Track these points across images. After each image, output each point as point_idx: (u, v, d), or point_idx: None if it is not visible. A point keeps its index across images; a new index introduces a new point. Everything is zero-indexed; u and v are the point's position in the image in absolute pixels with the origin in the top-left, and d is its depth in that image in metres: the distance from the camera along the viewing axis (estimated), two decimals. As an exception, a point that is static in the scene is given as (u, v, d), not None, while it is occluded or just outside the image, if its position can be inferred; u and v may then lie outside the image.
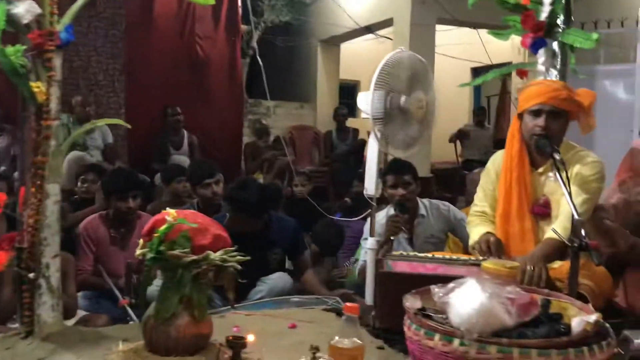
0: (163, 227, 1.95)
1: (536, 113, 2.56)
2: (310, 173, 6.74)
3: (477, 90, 10.97)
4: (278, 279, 3.12)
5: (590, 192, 2.54)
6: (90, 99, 5.88)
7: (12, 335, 2.15)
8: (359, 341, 1.47)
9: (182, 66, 6.64)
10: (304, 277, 3.30)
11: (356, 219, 3.94)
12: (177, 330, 1.94)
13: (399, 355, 2.14)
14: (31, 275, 2.08)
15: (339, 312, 2.60)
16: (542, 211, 2.65)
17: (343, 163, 7.76)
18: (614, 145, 4.28)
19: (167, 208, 2.09)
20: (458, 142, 8.89)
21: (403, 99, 2.91)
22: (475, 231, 2.73)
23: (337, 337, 1.47)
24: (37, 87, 1.95)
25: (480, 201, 2.84)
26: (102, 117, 6.04)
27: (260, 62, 4.97)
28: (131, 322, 2.79)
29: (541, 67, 3.00)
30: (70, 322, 3.00)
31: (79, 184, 4.40)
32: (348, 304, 1.52)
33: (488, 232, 2.67)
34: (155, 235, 1.94)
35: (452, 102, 9.84)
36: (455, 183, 7.98)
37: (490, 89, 10.35)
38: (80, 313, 3.19)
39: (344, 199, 6.20)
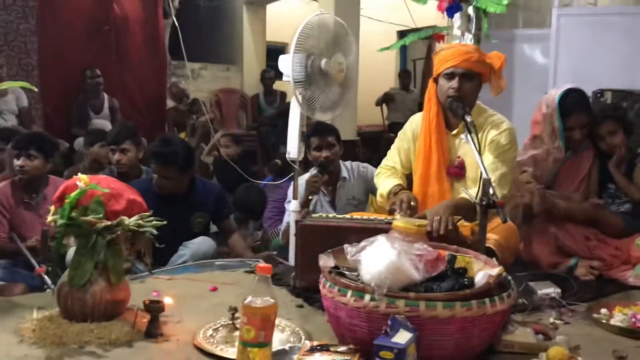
0: (74, 193, 1.91)
1: (450, 76, 2.64)
2: (239, 137, 6.68)
3: (403, 53, 11.08)
4: (201, 243, 3.11)
5: (507, 163, 2.65)
6: (1, 60, 5.55)
7: None
8: (271, 300, 1.50)
9: (99, 26, 6.34)
10: (231, 240, 3.31)
11: (282, 180, 3.97)
12: (93, 296, 1.93)
13: (317, 312, 2.20)
14: None
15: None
16: (457, 172, 2.75)
17: (271, 126, 7.74)
18: (530, 107, 4.45)
19: (82, 173, 2.05)
20: (384, 106, 9.02)
21: (324, 62, 2.92)
22: (387, 182, 2.80)
23: (250, 297, 1.50)
24: None
25: (393, 157, 2.92)
26: (15, 80, 5.74)
27: (177, 23, 4.82)
28: (48, 290, 2.73)
29: (457, 31, 3.08)
30: (-16, 292, 2.91)
31: None
32: (260, 264, 1.55)
33: (400, 187, 2.73)
34: (66, 201, 1.90)
35: (378, 66, 9.94)
36: (381, 146, 8.14)
37: (416, 53, 10.49)
38: (-4, 283, 3.10)
39: (272, 161, 6.19)
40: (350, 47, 3.09)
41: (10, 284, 3.03)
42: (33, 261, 2.96)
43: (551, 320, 2.14)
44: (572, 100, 2.89)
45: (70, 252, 2.19)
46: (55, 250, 1.91)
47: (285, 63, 2.90)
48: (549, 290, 2.40)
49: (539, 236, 2.89)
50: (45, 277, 2.85)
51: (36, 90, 2.63)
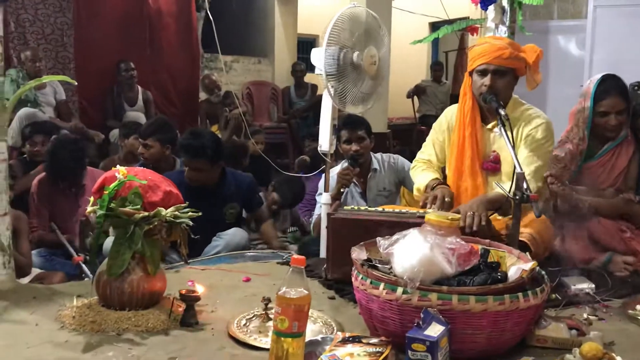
0: (113, 184, 1.96)
1: (482, 72, 2.62)
2: (268, 129, 6.75)
3: (435, 45, 10.99)
4: (234, 234, 3.16)
5: (542, 157, 2.63)
6: (40, 53, 5.67)
7: (-35, 293, 2.15)
8: (305, 291, 1.52)
9: (133, 19, 6.44)
10: (263, 227, 3.37)
11: (314, 173, 3.99)
12: (131, 285, 1.97)
13: (349, 304, 2.22)
14: (-20, 234, 2.06)
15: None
16: (493, 167, 2.73)
17: (301, 119, 7.76)
18: (565, 100, 4.39)
19: (118, 165, 2.10)
20: (415, 98, 8.97)
21: (356, 54, 2.92)
22: (422, 176, 2.79)
23: (284, 288, 1.52)
24: (-23, 42, 1.90)
25: (428, 150, 2.90)
26: (52, 72, 5.87)
27: (210, 15, 4.87)
28: (86, 279, 2.81)
29: (491, 24, 3.06)
30: (25, 280, 3.00)
31: (27, 146, 4.30)
32: (295, 256, 1.57)
33: (438, 182, 2.71)
34: (105, 192, 1.95)
35: (410, 58, 9.88)
36: (412, 138, 8.11)
37: (448, 45, 10.40)
38: (35, 271, 3.19)
39: (302, 155, 6.24)
40: (383, 40, 3.09)
41: (50, 273, 3.13)
42: (71, 250, 3.05)
43: (585, 315, 2.12)
44: (608, 85, 2.86)
45: (108, 242, 2.25)
46: (94, 240, 1.96)
47: (318, 56, 2.91)
48: (583, 285, 2.37)
49: (572, 231, 2.85)
50: (83, 265, 2.95)
51: (76, 83, 2.69)
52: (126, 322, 1.91)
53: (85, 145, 3.80)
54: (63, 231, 3.37)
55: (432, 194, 2.57)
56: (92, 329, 1.88)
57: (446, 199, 2.53)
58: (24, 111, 5.10)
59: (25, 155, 4.38)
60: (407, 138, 8.14)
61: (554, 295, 2.27)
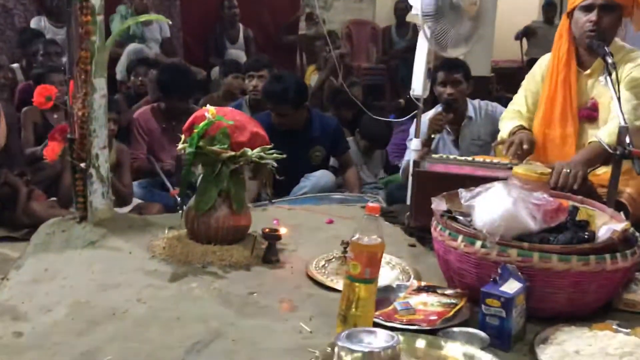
0: (202, 124, 2.02)
1: (588, 8, 2.41)
2: (366, 70, 6.65)
3: (549, -17, 10.25)
4: (321, 176, 3.20)
5: None
6: (147, -10, 5.86)
7: (69, 219, 2.32)
8: (379, 239, 1.52)
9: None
10: (346, 175, 3.37)
11: (406, 118, 3.93)
12: (217, 221, 2.06)
13: (429, 253, 2.19)
14: (82, 164, 2.21)
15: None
16: (590, 114, 2.55)
17: (401, 60, 7.58)
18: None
19: (216, 102, 2.16)
20: (524, 40, 8.48)
21: (455, -7, 2.79)
22: (507, 125, 2.66)
23: (357, 234, 1.53)
24: (79, -18, 1.99)
25: (519, 100, 2.75)
26: (158, 9, 6.06)
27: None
28: (180, 212, 2.95)
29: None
30: (126, 210, 3.21)
31: (132, 77, 4.52)
32: (369, 204, 1.57)
33: (520, 127, 2.58)
34: (195, 131, 2.01)
35: (521, -3, 9.30)
36: (518, 83, 7.73)
37: (564, -18, 9.68)
38: (136, 201, 3.40)
39: (400, 98, 6.14)
40: (485, -22, 2.92)
41: (149, 204, 3.33)
42: (168, 183, 3.22)
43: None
44: None
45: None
46: (183, 176, 2.05)
47: (415, -5, 2.82)
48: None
49: None
50: (179, 199, 3.09)
51: (169, 22, 2.76)
52: (211, 256, 2.00)
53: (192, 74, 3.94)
54: (160, 164, 3.54)
55: (509, 140, 2.46)
56: (179, 260, 1.99)
57: (524, 146, 2.41)
58: (132, 47, 5.34)
59: (130, 89, 4.61)
60: (513, 83, 7.74)
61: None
